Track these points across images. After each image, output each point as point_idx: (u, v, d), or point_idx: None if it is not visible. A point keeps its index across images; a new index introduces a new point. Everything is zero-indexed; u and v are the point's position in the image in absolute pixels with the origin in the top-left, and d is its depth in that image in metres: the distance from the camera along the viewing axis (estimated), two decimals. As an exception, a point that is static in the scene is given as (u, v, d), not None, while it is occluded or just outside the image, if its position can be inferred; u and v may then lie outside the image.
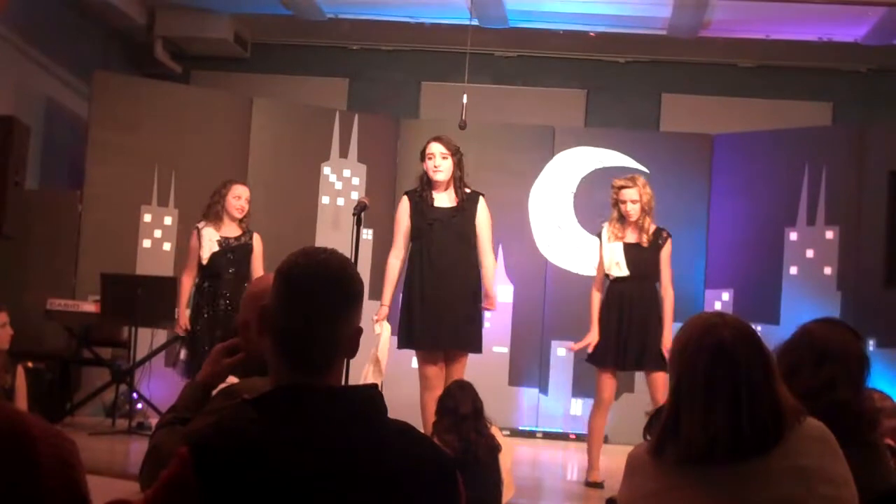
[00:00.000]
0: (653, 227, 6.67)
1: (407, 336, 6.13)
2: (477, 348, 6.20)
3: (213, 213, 7.24)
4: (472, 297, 6.18)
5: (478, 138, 9.09)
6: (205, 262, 7.16)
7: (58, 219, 8.63)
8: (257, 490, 1.75)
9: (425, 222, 6.17)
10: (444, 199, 6.23)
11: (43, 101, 9.20)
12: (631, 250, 6.62)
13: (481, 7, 9.19)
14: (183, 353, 7.31)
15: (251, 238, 7.29)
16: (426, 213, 6.18)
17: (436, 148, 6.22)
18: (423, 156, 6.27)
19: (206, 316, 7.14)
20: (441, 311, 6.06)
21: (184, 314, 7.20)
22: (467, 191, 6.25)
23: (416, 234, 6.21)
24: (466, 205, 6.21)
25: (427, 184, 6.24)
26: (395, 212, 6.43)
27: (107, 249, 8.46)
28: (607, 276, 6.66)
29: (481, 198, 6.27)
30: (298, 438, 1.80)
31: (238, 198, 7.27)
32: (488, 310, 6.31)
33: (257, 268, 7.24)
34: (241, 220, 7.29)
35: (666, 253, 6.66)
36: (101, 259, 8.27)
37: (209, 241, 7.18)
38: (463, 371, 6.07)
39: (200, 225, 7.26)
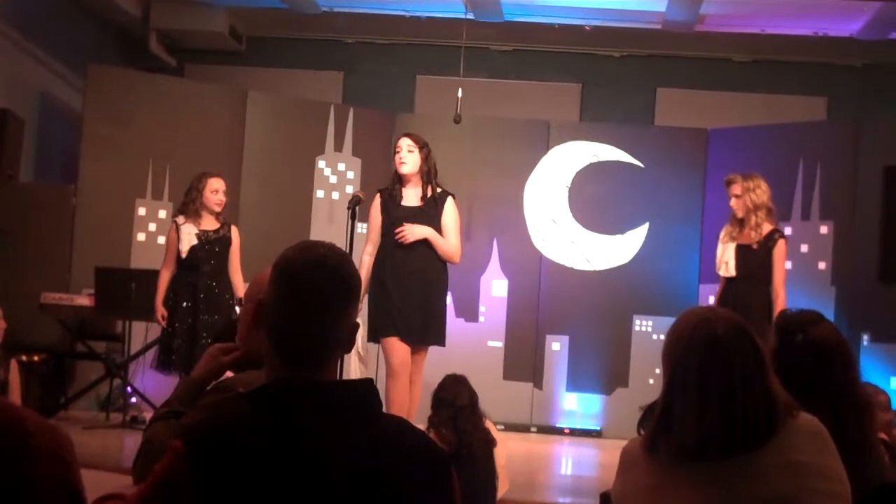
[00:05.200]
0: (767, 228, 6.66)
1: (373, 329, 6.10)
2: (438, 341, 6.16)
3: (192, 209, 7.22)
4: (436, 292, 6.14)
5: (473, 132, 9.11)
6: (184, 255, 7.16)
7: (52, 212, 8.61)
8: (251, 483, 1.75)
9: (389, 221, 6.14)
10: (412, 196, 6.18)
11: (37, 94, 9.18)
12: (741, 251, 6.64)
13: (476, 1, 9.19)
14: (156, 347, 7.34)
15: (229, 230, 7.31)
16: (392, 211, 6.15)
17: (403, 142, 6.21)
18: (393, 152, 6.29)
19: (184, 307, 7.16)
20: (405, 307, 6.02)
21: (161, 308, 7.20)
22: (438, 190, 6.21)
23: (385, 231, 6.16)
24: (434, 203, 6.17)
25: (398, 180, 6.22)
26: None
27: (101, 243, 8.45)
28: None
29: (450, 198, 6.21)
30: (293, 432, 1.80)
31: (216, 192, 7.24)
32: (399, 233, 6.04)
33: (235, 260, 7.26)
34: (218, 213, 7.29)
35: (777, 253, 6.62)
36: (96, 253, 8.26)
37: (188, 234, 7.18)
38: (423, 364, 6.09)
39: (179, 220, 7.24)
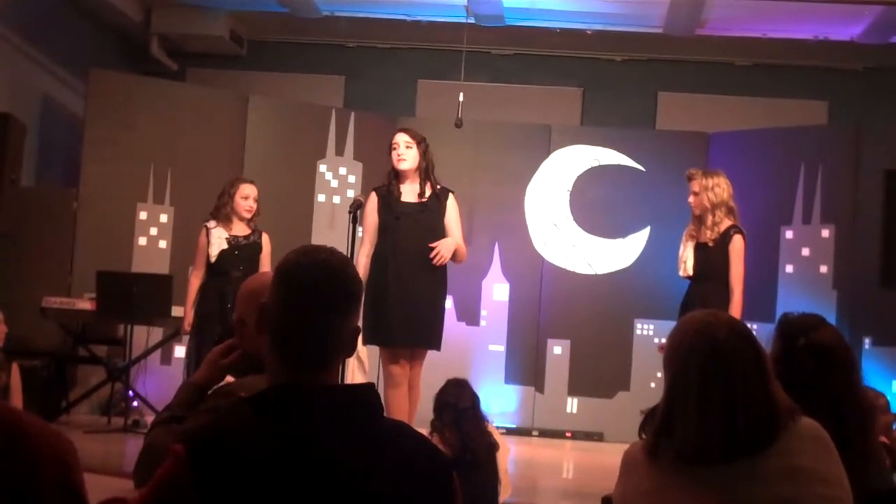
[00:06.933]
0: (725, 225, 6.51)
1: (372, 332, 5.92)
2: (436, 345, 6.02)
3: (224, 214, 7.15)
4: (437, 293, 6.01)
5: (474, 136, 9.11)
6: (213, 259, 7.08)
7: (53, 216, 8.62)
8: (252, 488, 1.75)
9: (392, 217, 5.97)
10: (411, 192, 6.02)
11: (39, 98, 9.19)
12: (700, 250, 6.53)
13: (478, 5, 9.20)
14: (184, 351, 7.27)
15: (260, 237, 7.22)
16: (393, 207, 5.97)
17: (400, 138, 6.04)
18: (389, 148, 6.10)
19: (213, 314, 7.08)
20: (405, 308, 5.87)
21: (190, 313, 7.13)
22: (438, 186, 6.06)
23: (382, 229, 6.00)
24: (436, 200, 6.02)
25: (394, 177, 6.05)
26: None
27: (102, 247, 8.46)
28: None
29: (451, 194, 6.07)
30: (294, 436, 1.80)
31: (246, 198, 7.17)
32: (436, 256, 5.91)
33: (266, 267, 7.14)
34: (249, 220, 7.23)
35: (733, 250, 6.45)
36: (97, 257, 8.26)
37: (218, 238, 7.10)
38: (420, 369, 5.98)
39: (210, 224, 7.15)
